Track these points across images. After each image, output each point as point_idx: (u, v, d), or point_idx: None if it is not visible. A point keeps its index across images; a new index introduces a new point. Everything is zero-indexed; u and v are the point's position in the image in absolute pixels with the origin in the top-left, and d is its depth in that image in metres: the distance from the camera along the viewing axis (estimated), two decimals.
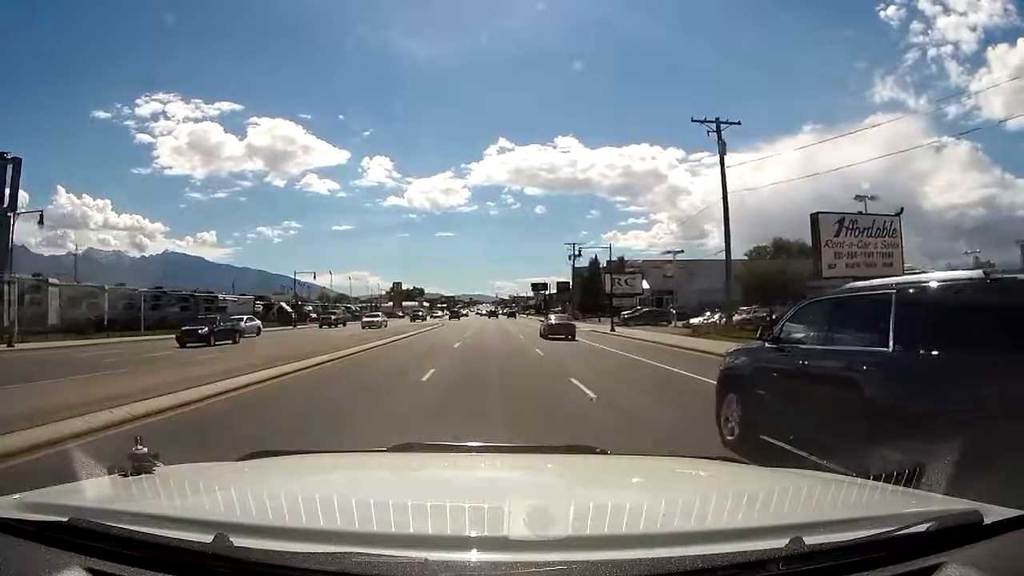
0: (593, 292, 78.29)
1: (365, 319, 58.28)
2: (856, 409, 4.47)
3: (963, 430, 3.37)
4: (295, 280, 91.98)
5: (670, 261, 65.24)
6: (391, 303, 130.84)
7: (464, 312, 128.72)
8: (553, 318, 37.37)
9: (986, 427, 3.38)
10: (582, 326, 44.51)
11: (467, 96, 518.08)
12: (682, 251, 68.63)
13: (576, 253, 73.78)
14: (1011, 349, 3.54)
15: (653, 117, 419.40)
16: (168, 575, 1.15)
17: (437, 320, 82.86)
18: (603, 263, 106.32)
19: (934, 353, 3.93)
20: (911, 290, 4.46)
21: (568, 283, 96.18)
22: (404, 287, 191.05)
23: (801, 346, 5.60)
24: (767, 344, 6.24)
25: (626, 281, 63.80)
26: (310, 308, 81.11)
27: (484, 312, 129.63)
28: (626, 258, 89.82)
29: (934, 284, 4.42)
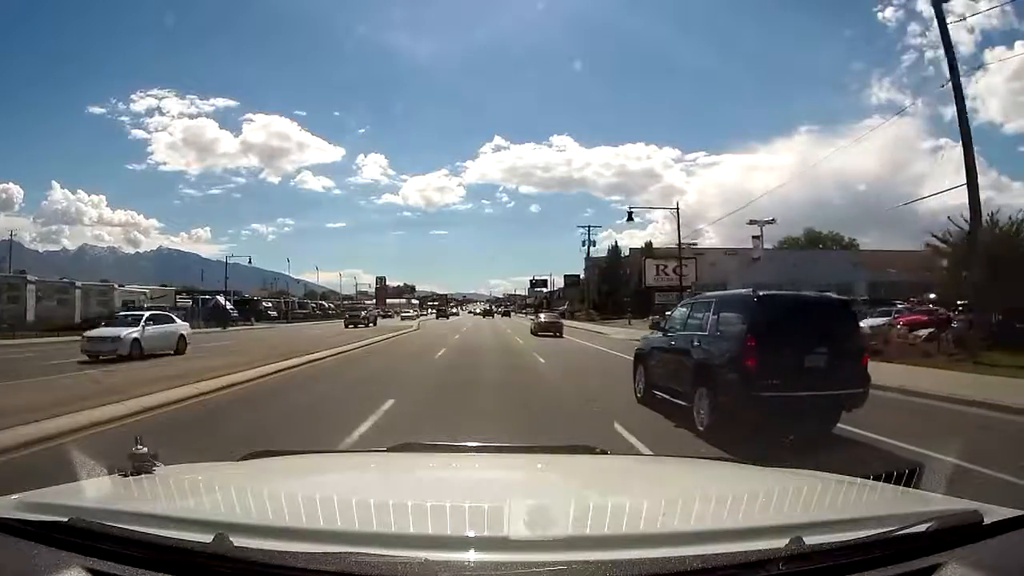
0: (612, 286, 67.85)
1: (350, 315, 51.96)
2: (689, 366, 8.24)
3: (731, 371, 7.36)
4: (285, 275, 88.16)
5: (731, 251, 54.64)
6: (374, 300, 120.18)
7: (454, 310, 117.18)
8: (543, 316, 43.73)
9: (740, 369, 7.18)
10: (608, 331, 38.49)
11: (462, 94, 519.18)
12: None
13: (590, 239, 63.88)
14: (756, 330, 7.26)
15: (648, 116, 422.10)
16: (168, 575, 1.15)
17: (409, 323, 56.96)
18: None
19: (759, 339, 7.25)
20: (721, 299, 8.59)
21: (578, 276, 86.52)
22: (394, 284, 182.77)
23: (671, 332, 9.50)
24: (657, 332, 10.72)
25: (674, 269, 46.25)
26: (268, 305, 69.57)
27: (478, 311, 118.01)
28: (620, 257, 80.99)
29: (730, 296, 8.83)
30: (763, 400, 6.93)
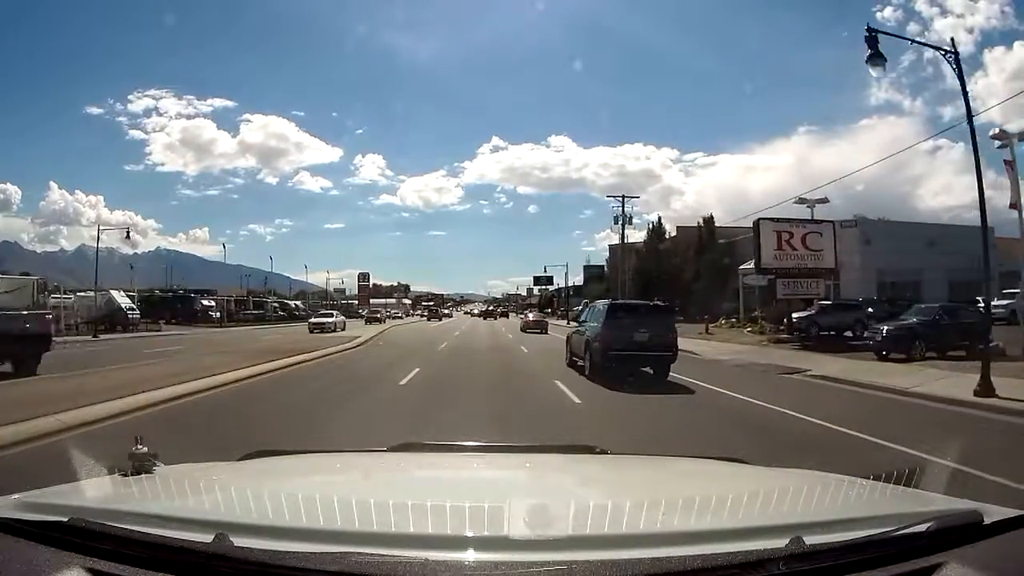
0: (654, 276, 49.27)
1: (313, 321, 42.02)
2: (582, 341, 14.94)
3: (596, 341, 13.83)
4: (281, 275, 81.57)
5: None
6: (356, 301, 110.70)
7: (447, 311, 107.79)
8: (531, 316, 51.32)
9: (601, 340, 13.61)
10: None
11: (460, 94, 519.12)
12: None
13: (624, 213, 44.97)
14: (618, 322, 13.84)
15: (647, 117, 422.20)
16: (168, 575, 1.15)
17: (365, 331, 38.12)
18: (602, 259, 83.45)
19: (609, 322, 13.77)
20: (595, 305, 16.71)
21: (601, 267, 73.69)
22: (388, 283, 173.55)
23: (579, 323, 18.20)
24: (575, 323, 22.31)
25: (803, 239, 26.86)
26: (211, 304, 56.64)
27: (476, 312, 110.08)
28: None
29: (600, 302, 17.08)
30: (613, 356, 13.44)
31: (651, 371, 13.86)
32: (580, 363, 15.00)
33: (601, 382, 12.71)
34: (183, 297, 58.38)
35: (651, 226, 57.00)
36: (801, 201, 30.12)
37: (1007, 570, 1.23)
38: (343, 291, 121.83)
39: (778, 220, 27.81)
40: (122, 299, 42.52)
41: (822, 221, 28.66)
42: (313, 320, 42.36)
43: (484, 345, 27.76)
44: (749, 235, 38.35)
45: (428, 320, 73.32)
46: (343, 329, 40.18)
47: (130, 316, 40.33)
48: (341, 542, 1.19)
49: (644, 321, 13.92)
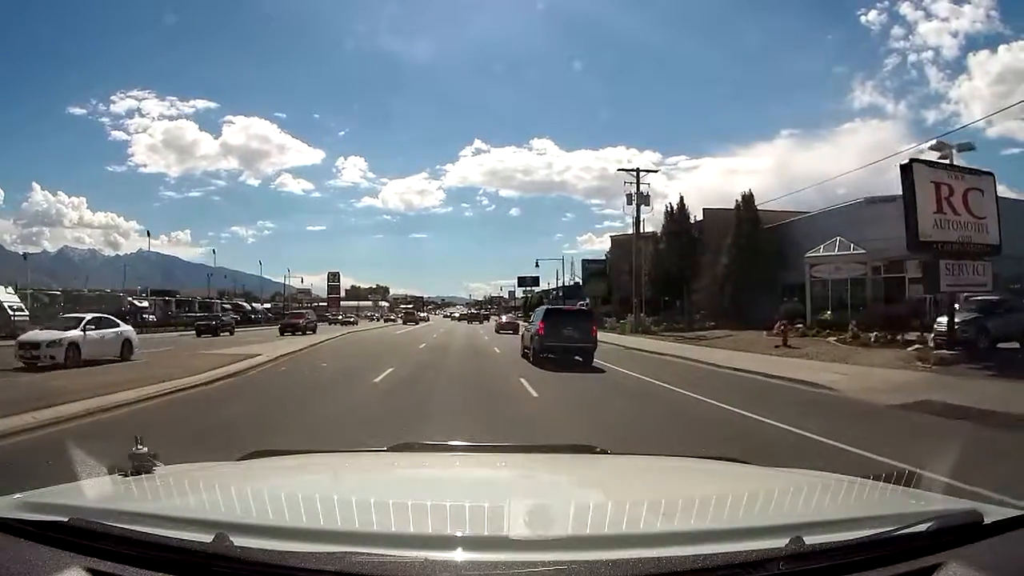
0: (676, 271, 39.36)
1: (285, 323, 38.93)
2: (529, 336, 19.93)
3: (536, 335, 18.63)
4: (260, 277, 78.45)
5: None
6: (325, 303, 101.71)
7: (423, 315, 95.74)
8: (504, 318, 56.09)
9: (540, 335, 18.39)
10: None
11: (443, 96, 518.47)
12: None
13: (639, 189, 37.94)
14: (552, 323, 18.72)
15: (630, 120, 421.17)
16: (168, 575, 1.15)
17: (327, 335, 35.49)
18: (565, 273, 76.55)
19: (544, 323, 18.61)
20: (538, 310, 22.71)
21: (603, 263, 59.71)
22: (367, 286, 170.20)
23: (528, 321, 25.11)
24: (527, 323, 24.21)
25: (966, 200, 16.46)
26: (143, 305, 51.52)
27: (457, 315, 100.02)
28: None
29: (540, 308, 23.45)
30: (548, 347, 17.89)
31: (580, 359, 18.10)
32: (528, 354, 19.73)
33: (538, 365, 17.44)
34: (109, 296, 51.10)
35: (670, 208, 42.23)
36: (939, 147, 18.46)
37: (1007, 570, 1.23)
38: (308, 292, 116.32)
39: (934, 165, 17.17)
40: (7, 296, 35.08)
41: (981, 172, 17.82)
42: (284, 323, 38.72)
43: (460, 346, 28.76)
44: (797, 218, 33.19)
45: (405, 324, 64.50)
46: (313, 331, 36.89)
47: (14, 318, 31.64)
48: (341, 542, 1.19)
49: (571, 322, 19.02)
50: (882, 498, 1.66)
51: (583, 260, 72.87)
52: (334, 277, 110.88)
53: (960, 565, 1.18)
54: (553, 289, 78.01)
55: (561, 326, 18.19)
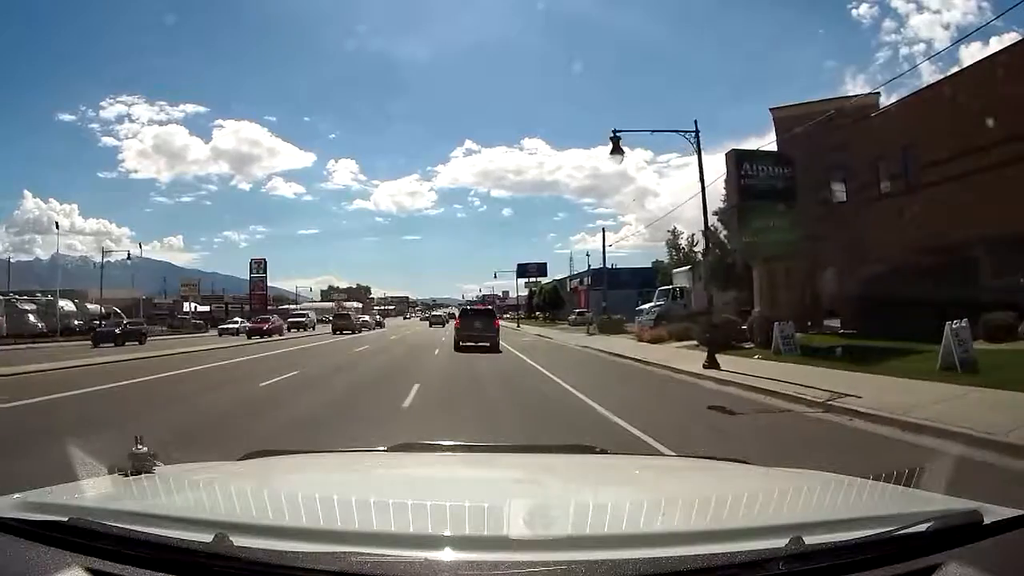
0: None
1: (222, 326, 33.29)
2: (454, 331, 28.36)
3: (461, 333, 27.02)
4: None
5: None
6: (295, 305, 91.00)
7: (377, 319, 78.52)
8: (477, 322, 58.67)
9: (457, 329, 27.70)
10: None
11: (434, 98, 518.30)
12: None
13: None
14: (461, 316, 29.25)
15: (621, 118, 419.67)
16: (169, 575, 1.15)
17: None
18: (566, 275, 67.13)
19: (482, 319, 27.33)
20: (462, 309, 34.63)
21: (600, 267, 47.63)
22: (344, 286, 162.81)
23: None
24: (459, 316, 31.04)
25: None
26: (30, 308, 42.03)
27: (440, 317, 74.71)
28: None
29: (463, 308, 35.62)
30: (465, 336, 25.84)
31: (488, 345, 24.79)
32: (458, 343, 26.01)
33: (458, 350, 24.31)
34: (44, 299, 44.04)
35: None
36: None
37: (1007, 570, 1.23)
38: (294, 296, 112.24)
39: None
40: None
41: None
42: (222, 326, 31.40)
43: None
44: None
45: (335, 333, 45.36)
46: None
47: None
48: (341, 542, 1.19)
49: (478, 317, 27.05)
50: (882, 498, 1.66)
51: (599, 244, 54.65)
52: (259, 267, 79.30)
53: (960, 565, 1.18)
54: (573, 276, 64.94)
55: (472, 321, 26.45)
